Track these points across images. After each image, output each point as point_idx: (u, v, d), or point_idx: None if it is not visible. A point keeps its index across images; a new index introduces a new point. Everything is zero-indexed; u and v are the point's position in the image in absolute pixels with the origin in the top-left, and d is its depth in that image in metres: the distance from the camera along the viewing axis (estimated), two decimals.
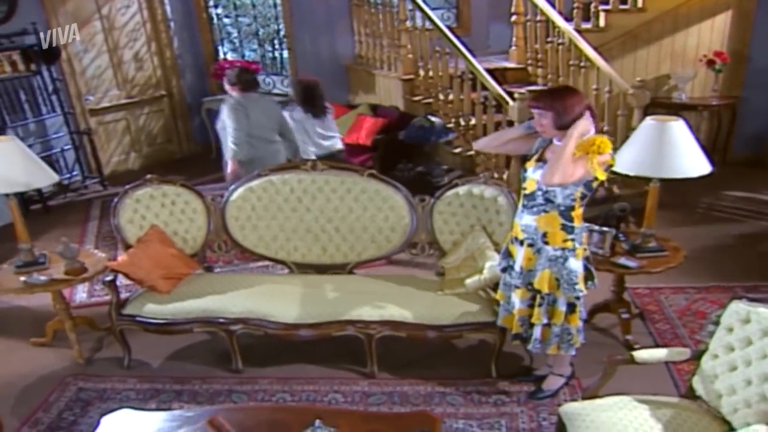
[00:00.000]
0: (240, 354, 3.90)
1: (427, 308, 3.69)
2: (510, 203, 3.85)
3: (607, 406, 2.67)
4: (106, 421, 2.78)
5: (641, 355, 2.78)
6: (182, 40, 8.42)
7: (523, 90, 5.78)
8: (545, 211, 3.18)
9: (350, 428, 2.63)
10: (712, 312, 4.36)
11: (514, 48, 7.52)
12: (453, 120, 6.40)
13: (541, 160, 3.20)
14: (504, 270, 3.47)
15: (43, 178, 3.86)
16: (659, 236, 3.99)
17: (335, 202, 4.11)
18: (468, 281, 3.77)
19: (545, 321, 3.31)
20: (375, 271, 4.56)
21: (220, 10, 8.62)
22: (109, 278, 3.81)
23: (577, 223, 3.19)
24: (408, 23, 6.92)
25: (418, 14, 6.89)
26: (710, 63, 7.18)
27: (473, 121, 6.35)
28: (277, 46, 8.65)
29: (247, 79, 5.04)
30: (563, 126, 3.06)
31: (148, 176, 4.17)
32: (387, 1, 7.20)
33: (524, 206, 3.27)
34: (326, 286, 3.95)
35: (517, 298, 3.38)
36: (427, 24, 6.69)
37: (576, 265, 3.20)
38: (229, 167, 4.86)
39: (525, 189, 3.27)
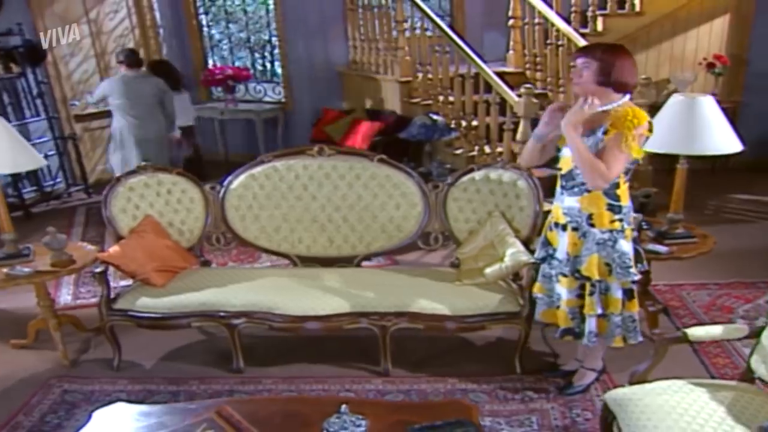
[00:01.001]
0: (241, 353, 3.59)
1: (446, 299, 3.42)
2: (531, 187, 3.63)
3: (660, 390, 2.41)
4: (98, 415, 2.46)
5: (696, 332, 2.53)
6: (171, 48, 8.20)
7: (528, 84, 5.61)
8: (588, 191, 2.92)
9: (377, 418, 2.34)
10: (738, 307, 4.16)
11: (511, 52, 7.38)
12: (453, 121, 6.20)
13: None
14: (543, 260, 3.20)
15: (30, 160, 3.59)
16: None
17: (343, 189, 3.86)
18: (488, 270, 3.52)
19: (600, 311, 3.02)
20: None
21: (210, 17, 8.41)
22: (99, 270, 3.49)
23: (624, 202, 2.94)
24: (406, 25, 6.76)
25: (416, 16, 6.75)
26: (710, 66, 7.09)
27: (475, 123, 6.17)
28: (268, 55, 8.47)
29: (132, 59, 5.89)
30: (603, 83, 2.83)
31: (142, 163, 3.90)
32: (384, 4, 7.05)
33: (563, 188, 3.03)
34: (335, 278, 3.67)
35: (564, 289, 3.09)
36: (426, 23, 6.57)
37: (627, 246, 2.94)
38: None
39: (561, 169, 3.02)
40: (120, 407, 2.49)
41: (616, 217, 2.92)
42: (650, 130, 2.88)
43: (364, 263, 3.99)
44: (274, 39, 8.14)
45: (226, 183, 3.93)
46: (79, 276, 4.82)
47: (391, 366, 3.52)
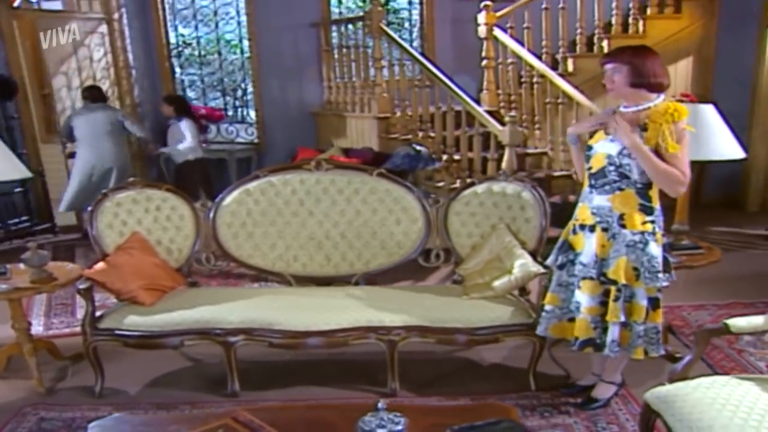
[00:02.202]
0: (237, 375, 3.33)
1: (457, 311, 3.27)
2: (536, 198, 3.55)
3: (708, 384, 2.27)
4: (94, 428, 2.19)
5: (738, 323, 2.43)
6: (143, 89, 8.03)
7: (512, 113, 5.63)
8: (620, 189, 2.85)
9: (412, 420, 2.13)
10: None
11: (485, 92, 7.43)
12: (434, 154, 6.16)
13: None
14: (561, 266, 3.05)
15: (15, 170, 3.37)
16: None
17: (341, 204, 3.71)
18: (496, 283, 3.39)
19: (623, 319, 2.87)
20: None
21: (182, 59, 8.32)
22: (84, 286, 3.23)
23: (656, 203, 2.86)
24: (384, 62, 6.78)
25: (394, 55, 6.80)
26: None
27: (457, 157, 6.16)
28: (240, 96, 8.41)
29: (91, 93, 6.49)
30: (637, 84, 2.80)
31: (131, 179, 3.72)
32: (361, 43, 7.08)
33: (592, 186, 2.93)
34: (336, 294, 3.50)
35: (585, 296, 2.93)
36: (405, 59, 6.62)
37: (657, 251, 2.84)
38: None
39: (591, 168, 2.94)
40: (118, 418, 2.23)
41: (648, 218, 2.84)
42: (689, 125, 2.83)
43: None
44: (247, 80, 8.09)
45: (218, 199, 3.74)
46: (50, 307, 4.52)
47: (398, 386, 3.31)
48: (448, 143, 6.24)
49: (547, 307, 3.11)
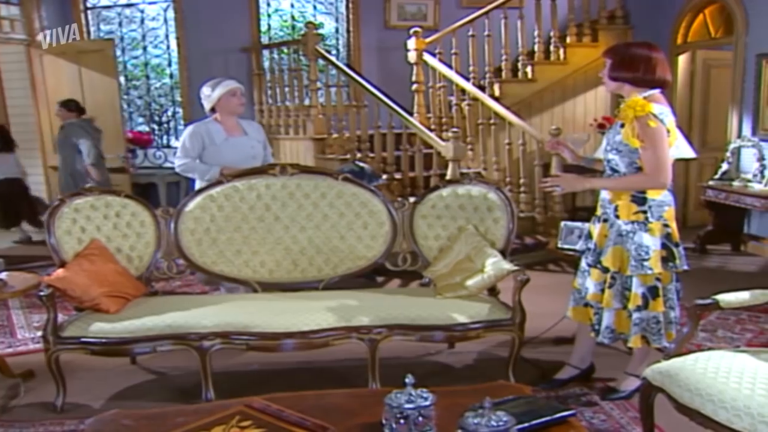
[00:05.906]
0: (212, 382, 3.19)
1: (436, 310, 3.28)
2: (502, 198, 3.65)
3: (706, 357, 2.40)
4: (93, 422, 2.04)
5: (726, 298, 2.56)
6: None
7: (455, 129, 5.80)
8: None
9: None
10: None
11: (416, 115, 7.59)
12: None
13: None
14: (583, 252, 3.23)
15: None
16: None
17: (308, 208, 3.68)
18: (469, 282, 3.44)
19: (617, 305, 3.01)
20: None
21: None
22: (45, 293, 3.01)
23: (651, 195, 2.94)
24: (319, 84, 6.83)
25: (331, 72, 6.86)
26: (601, 126, 7.68)
27: (398, 176, 6.26)
28: (166, 122, 8.20)
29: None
30: (616, 78, 2.97)
31: (89, 185, 3.54)
32: (294, 66, 7.10)
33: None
34: (310, 297, 3.46)
35: (591, 282, 3.11)
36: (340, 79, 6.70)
37: (648, 240, 2.92)
38: None
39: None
40: (118, 413, 2.09)
41: (639, 208, 2.95)
42: (653, 122, 2.83)
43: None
44: (176, 104, 7.92)
45: (180, 205, 3.62)
46: None
47: (379, 386, 3.27)
48: (389, 162, 6.33)
49: (572, 291, 3.28)
